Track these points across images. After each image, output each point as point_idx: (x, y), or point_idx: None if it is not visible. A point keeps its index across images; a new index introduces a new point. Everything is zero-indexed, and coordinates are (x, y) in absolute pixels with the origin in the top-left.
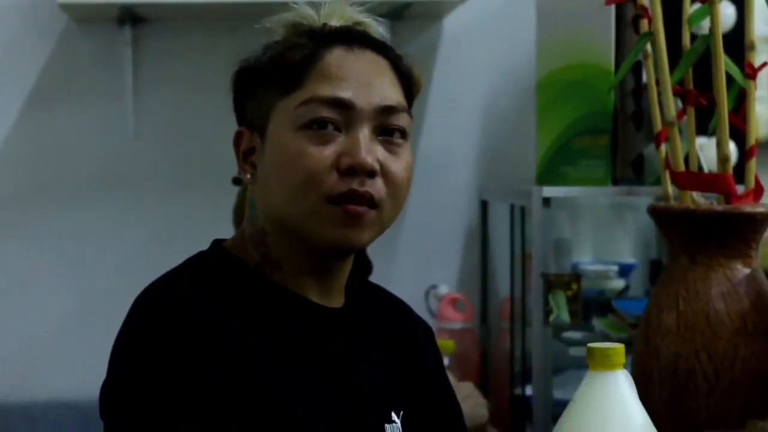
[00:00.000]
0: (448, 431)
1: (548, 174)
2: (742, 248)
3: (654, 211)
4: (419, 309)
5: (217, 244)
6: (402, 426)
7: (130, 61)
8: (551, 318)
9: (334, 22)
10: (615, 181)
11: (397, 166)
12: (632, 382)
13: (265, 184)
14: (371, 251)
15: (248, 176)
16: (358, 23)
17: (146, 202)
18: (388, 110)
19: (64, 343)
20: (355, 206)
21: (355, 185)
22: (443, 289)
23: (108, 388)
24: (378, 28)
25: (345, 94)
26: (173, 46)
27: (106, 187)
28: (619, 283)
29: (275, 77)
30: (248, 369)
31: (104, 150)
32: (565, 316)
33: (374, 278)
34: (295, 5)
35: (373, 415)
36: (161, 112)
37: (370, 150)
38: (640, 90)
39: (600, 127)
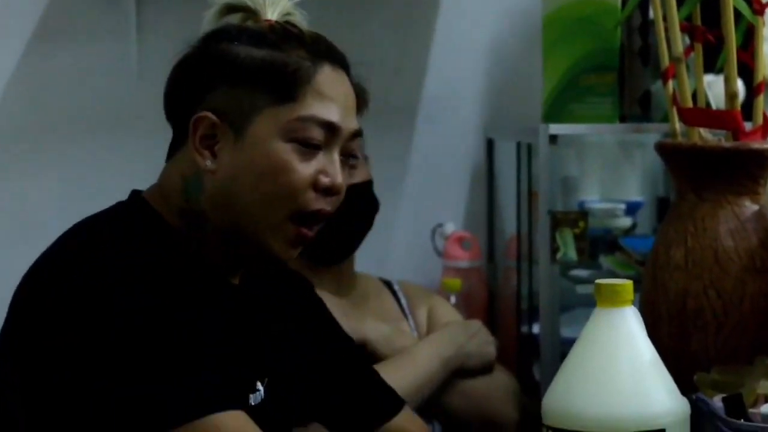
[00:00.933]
0: (345, 376)
1: (555, 111)
2: (750, 185)
3: (662, 148)
4: (425, 248)
5: (139, 199)
6: (266, 391)
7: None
8: (558, 256)
9: (270, 12)
10: (622, 119)
11: (347, 182)
12: (640, 318)
13: (231, 181)
14: (377, 190)
15: (208, 163)
16: (290, 14)
17: (150, 144)
18: (356, 134)
19: None
20: (308, 230)
21: (323, 205)
22: (449, 228)
23: (23, 340)
24: (303, 22)
25: (336, 118)
26: None
27: (108, 128)
28: (626, 221)
29: (268, 83)
30: (171, 331)
31: (108, 90)
32: (572, 254)
33: (380, 218)
34: None
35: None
36: (165, 52)
37: (342, 172)
38: (647, 26)
39: (607, 64)
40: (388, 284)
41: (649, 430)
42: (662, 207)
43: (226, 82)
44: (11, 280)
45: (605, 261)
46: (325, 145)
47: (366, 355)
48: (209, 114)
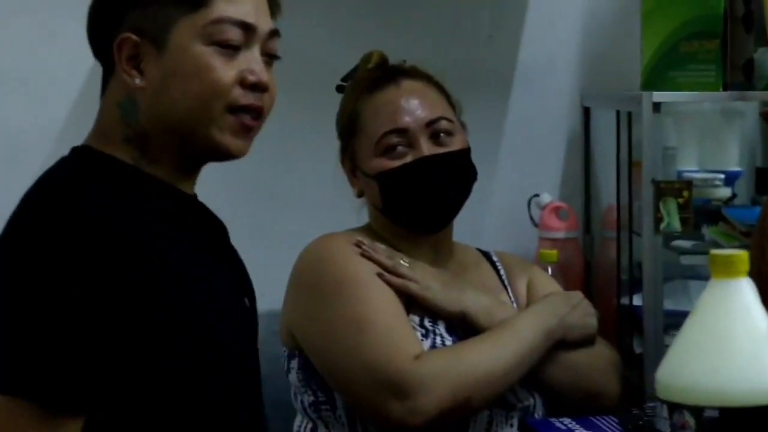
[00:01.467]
0: None
1: (654, 79)
2: None
3: (766, 116)
4: (522, 218)
5: (80, 148)
6: (249, 301)
7: None
8: (662, 226)
9: None
10: (724, 87)
11: (272, 84)
12: (755, 289)
13: (161, 91)
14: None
15: (137, 81)
16: None
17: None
18: (274, 34)
19: None
20: (250, 120)
21: (253, 99)
22: (546, 198)
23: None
24: None
25: (250, 18)
26: None
27: None
28: (725, 192)
29: None
30: (150, 259)
31: None
32: (676, 224)
33: (475, 187)
34: None
35: (236, 285)
36: None
37: (264, 69)
38: None
39: (709, 31)
40: (486, 255)
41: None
42: (761, 177)
43: (136, 3)
44: None
45: (708, 232)
46: (245, 45)
47: (466, 326)
48: (130, 34)
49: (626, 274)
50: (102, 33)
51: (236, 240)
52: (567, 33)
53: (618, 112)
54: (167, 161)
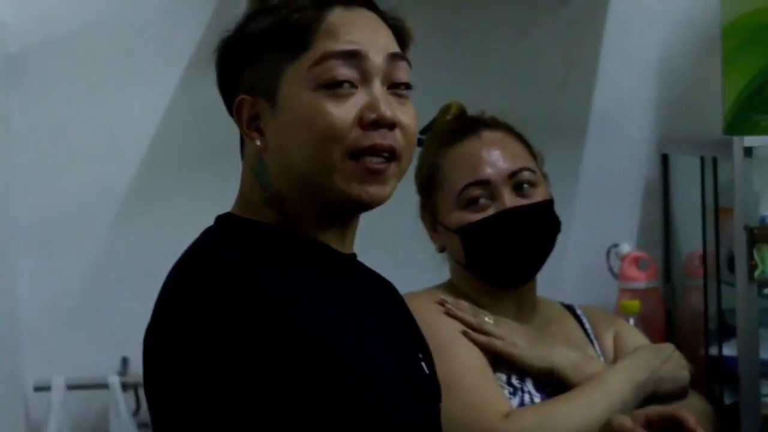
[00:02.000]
0: None
1: (738, 123)
2: None
3: None
4: (600, 269)
5: (223, 216)
6: (427, 367)
7: None
8: (756, 273)
9: None
10: None
11: (407, 117)
12: None
13: (281, 148)
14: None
15: (258, 142)
16: None
17: None
18: (394, 58)
19: None
20: (375, 163)
21: (378, 139)
22: (625, 248)
23: (177, 376)
24: None
25: (356, 46)
26: None
27: None
28: None
29: (280, 42)
30: (305, 315)
31: None
32: None
33: None
34: None
35: (410, 350)
36: None
37: (388, 103)
38: None
39: None
40: (569, 308)
41: None
42: None
43: (248, 61)
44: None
45: None
46: (361, 82)
47: (554, 382)
48: (244, 96)
49: (714, 323)
50: (227, 97)
51: None
52: (642, 77)
53: (702, 158)
54: (310, 219)
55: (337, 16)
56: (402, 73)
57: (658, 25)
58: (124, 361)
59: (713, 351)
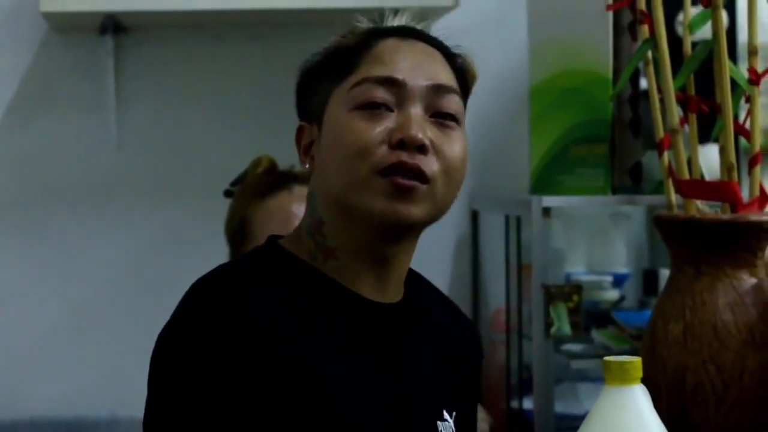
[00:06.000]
0: None
1: (543, 183)
2: (748, 258)
3: (659, 221)
4: None
5: (273, 240)
6: (456, 426)
7: (112, 71)
8: (552, 330)
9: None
10: (613, 190)
11: (449, 146)
12: (649, 396)
13: (321, 168)
14: None
15: (307, 166)
16: None
17: (131, 214)
18: (439, 89)
19: (47, 358)
20: (403, 179)
21: (404, 157)
22: None
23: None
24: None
25: (396, 74)
26: (155, 55)
27: (89, 198)
28: (613, 294)
29: (331, 67)
30: (287, 359)
31: (87, 161)
32: (567, 329)
33: None
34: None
35: (427, 411)
36: (144, 122)
37: (421, 126)
38: (638, 97)
39: (598, 135)
40: None
41: None
42: (649, 279)
43: (309, 92)
44: None
45: (598, 335)
46: (398, 105)
47: None
48: (302, 123)
49: (515, 377)
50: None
51: None
52: None
53: (507, 216)
54: (342, 253)
55: (387, 44)
56: (448, 104)
57: None
58: None
59: (515, 404)
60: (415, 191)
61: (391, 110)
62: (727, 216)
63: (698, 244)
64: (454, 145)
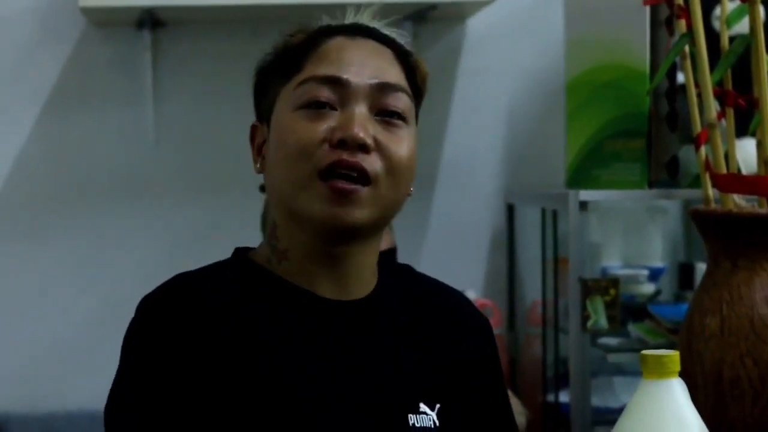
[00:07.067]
0: None
1: (579, 177)
2: None
3: (696, 215)
4: None
5: (237, 250)
6: (439, 419)
7: (150, 66)
8: (589, 324)
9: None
10: (649, 184)
11: (395, 145)
12: (686, 389)
13: (269, 170)
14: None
15: (257, 166)
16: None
17: (167, 208)
18: (385, 88)
19: (84, 351)
20: (342, 183)
21: (346, 156)
22: (470, 296)
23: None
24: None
25: (340, 72)
26: (193, 50)
27: (126, 193)
28: (649, 288)
29: (279, 66)
30: (239, 363)
31: (124, 156)
32: (603, 322)
33: None
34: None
35: (393, 405)
36: (182, 117)
37: (363, 125)
38: (674, 91)
39: (635, 130)
40: None
41: None
42: (684, 273)
43: (262, 91)
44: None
45: (634, 329)
46: (341, 104)
47: None
48: (255, 123)
49: (552, 370)
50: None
51: None
52: (491, 130)
53: (543, 210)
54: (294, 255)
55: (334, 43)
56: (394, 103)
57: (507, 79)
58: None
59: (551, 398)
60: (356, 195)
61: (336, 109)
62: (764, 210)
63: (735, 238)
64: (401, 143)
